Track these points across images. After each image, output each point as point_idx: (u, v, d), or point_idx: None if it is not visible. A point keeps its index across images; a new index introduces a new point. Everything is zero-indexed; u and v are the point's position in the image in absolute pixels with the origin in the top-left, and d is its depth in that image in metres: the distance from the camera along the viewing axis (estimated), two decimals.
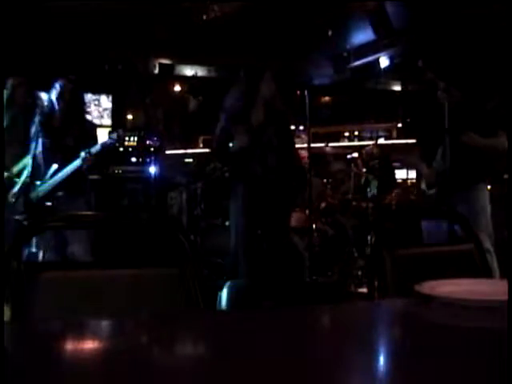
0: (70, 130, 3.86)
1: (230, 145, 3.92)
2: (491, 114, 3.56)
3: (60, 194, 3.78)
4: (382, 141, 6.90)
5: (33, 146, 3.68)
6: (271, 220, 3.90)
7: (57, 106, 3.84)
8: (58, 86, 3.84)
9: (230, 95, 3.95)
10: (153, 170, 6.37)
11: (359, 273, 4.79)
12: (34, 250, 3.57)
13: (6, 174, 3.82)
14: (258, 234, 3.89)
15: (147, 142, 7.03)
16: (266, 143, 3.79)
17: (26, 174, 3.68)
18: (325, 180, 5.95)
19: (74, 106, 3.95)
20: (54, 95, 3.84)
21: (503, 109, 3.62)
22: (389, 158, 6.11)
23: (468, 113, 3.58)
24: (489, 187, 3.74)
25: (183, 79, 8.78)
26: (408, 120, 7.64)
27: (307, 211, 4.95)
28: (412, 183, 6.27)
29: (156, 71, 8.29)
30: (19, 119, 3.96)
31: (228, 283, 3.79)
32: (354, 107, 9.13)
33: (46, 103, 3.78)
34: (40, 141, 3.74)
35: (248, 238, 3.85)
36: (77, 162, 3.70)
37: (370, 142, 6.61)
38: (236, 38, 6.97)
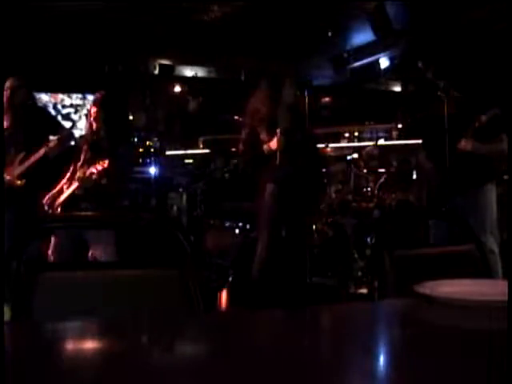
0: (117, 149, 3.79)
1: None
2: (490, 123, 3.55)
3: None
4: (382, 141, 6.87)
5: (85, 168, 3.70)
6: (295, 220, 3.98)
7: (102, 130, 3.79)
8: (94, 108, 3.80)
9: (255, 100, 4.00)
10: (153, 170, 6.37)
11: (359, 274, 4.79)
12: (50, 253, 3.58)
13: (7, 178, 3.81)
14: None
15: (147, 143, 7.04)
16: (295, 146, 3.88)
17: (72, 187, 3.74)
18: (325, 181, 5.94)
19: (116, 126, 3.88)
20: (93, 122, 3.79)
21: (502, 117, 3.61)
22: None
23: (468, 117, 3.58)
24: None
25: (183, 80, 8.77)
26: (408, 121, 7.64)
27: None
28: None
29: (156, 72, 8.29)
30: (20, 121, 3.94)
31: (228, 284, 3.80)
32: (354, 108, 9.12)
33: (88, 128, 3.82)
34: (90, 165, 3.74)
35: (277, 237, 3.91)
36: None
37: (370, 143, 6.58)
38: (236, 39, 6.97)
